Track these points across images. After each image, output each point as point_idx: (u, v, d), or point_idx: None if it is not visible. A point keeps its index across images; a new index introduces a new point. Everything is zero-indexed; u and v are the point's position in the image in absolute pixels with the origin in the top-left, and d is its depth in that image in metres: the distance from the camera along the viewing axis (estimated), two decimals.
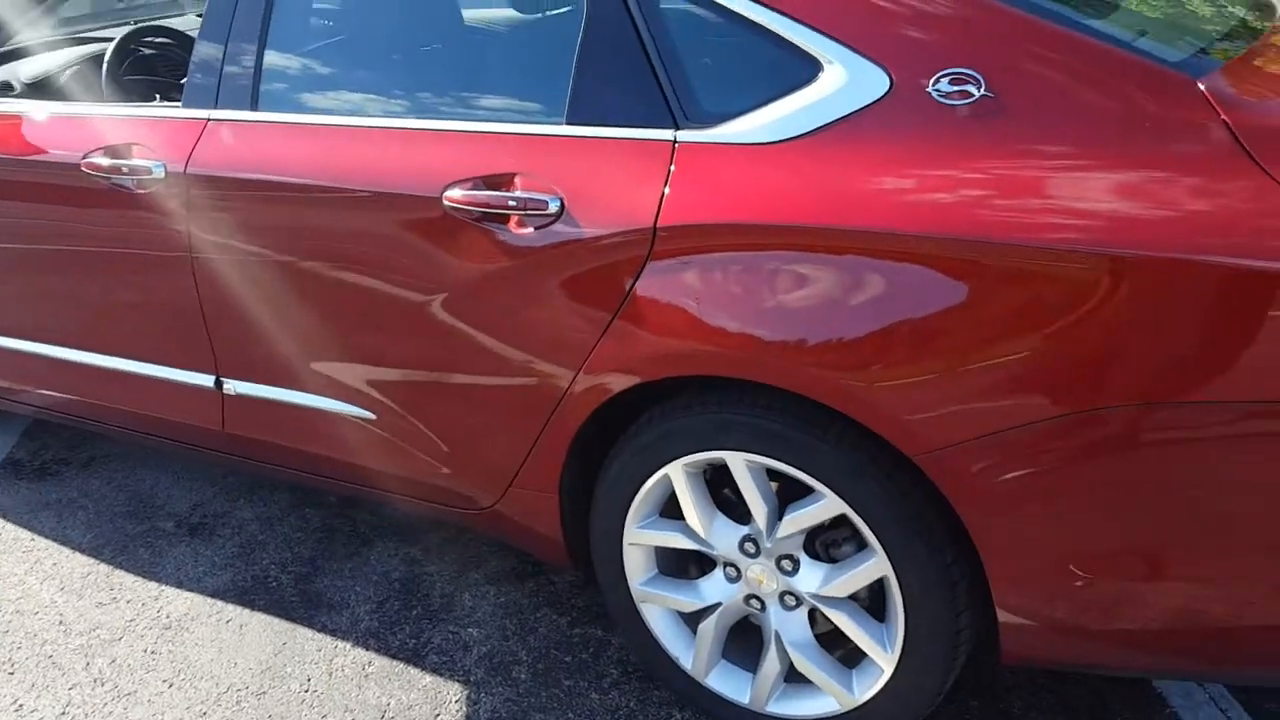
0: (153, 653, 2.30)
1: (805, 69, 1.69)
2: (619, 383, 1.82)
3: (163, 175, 2.21)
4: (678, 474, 1.87)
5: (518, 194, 1.84)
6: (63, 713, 2.13)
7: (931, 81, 1.61)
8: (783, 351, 1.65)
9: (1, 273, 2.59)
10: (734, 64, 1.76)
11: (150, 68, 2.97)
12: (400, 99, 2.06)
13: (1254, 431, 1.46)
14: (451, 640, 2.28)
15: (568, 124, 1.85)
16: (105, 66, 2.84)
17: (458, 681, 2.17)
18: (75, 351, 2.56)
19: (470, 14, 2.15)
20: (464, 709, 2.10)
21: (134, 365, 2.46)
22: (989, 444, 1.57)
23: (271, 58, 2.16)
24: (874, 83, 1.64)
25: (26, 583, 2.52)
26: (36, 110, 2.50)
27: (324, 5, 2.22)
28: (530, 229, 1.84)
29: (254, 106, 2.15)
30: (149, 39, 3.01)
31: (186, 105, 2.23)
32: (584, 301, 1.82)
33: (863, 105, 1.64)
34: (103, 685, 2.20)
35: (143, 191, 2.25)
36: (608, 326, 1.80)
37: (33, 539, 2.69)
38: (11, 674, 2.24)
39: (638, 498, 1.92)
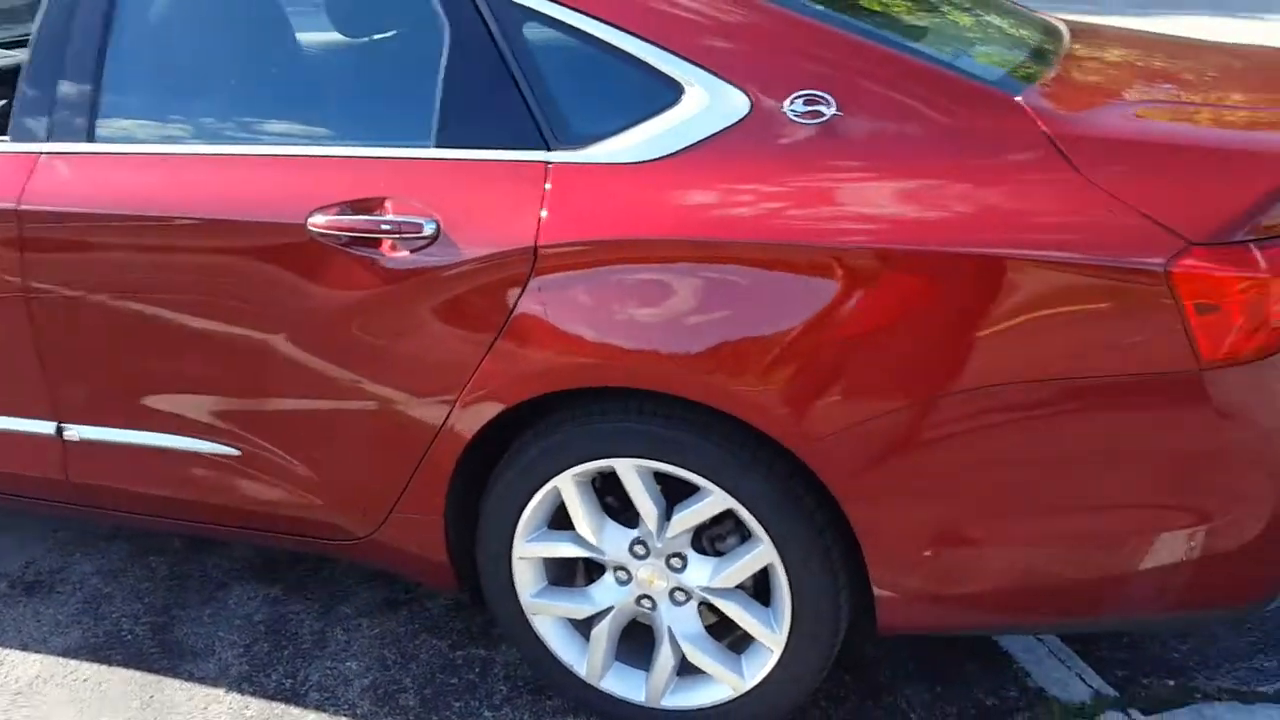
0: (6, 716, 2.15)
1: (670, 92, 1.79)
2: (506, 400, 1.87)
3: None
4: (567, 485, 1.93)
5: (391, 217, 1.86)
6: None
7: (788, 102, 1.75)
8: (669, 359, 1.75)
9: None
10: (602, 88, 1.85)
11: None
12: (254, 125, 2.03)
13: (1054, 407, 1.66)
14: (330, 676, 2.25)
15: (437, 147, 1.89)
16: None
17: (344, 716, 2.15)
18: None
19: (318, 37, 2.14)
20: None
21: None
22: (856, 433, 1.71)
23: (109, 87, 2.08)
24: (735, 104, 1.76)
25: None
26: None
27: (165, 33, 2.16)
28: (405, 252, 1.86)
29: (90, 138, 2.07)
30: None
31: (14, 139, 2.12)
32: (466, 322, 1.85)
33: (726, 125, 1.76)
34: None
35: None
36: (492, 345, 1.84)
37: None
38: None
39: (527, 511, 1.97)
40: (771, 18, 1.81)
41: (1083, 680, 2.18)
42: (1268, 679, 2.17)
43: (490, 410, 1.88)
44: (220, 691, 2.22)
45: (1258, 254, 1.57)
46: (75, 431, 2.22)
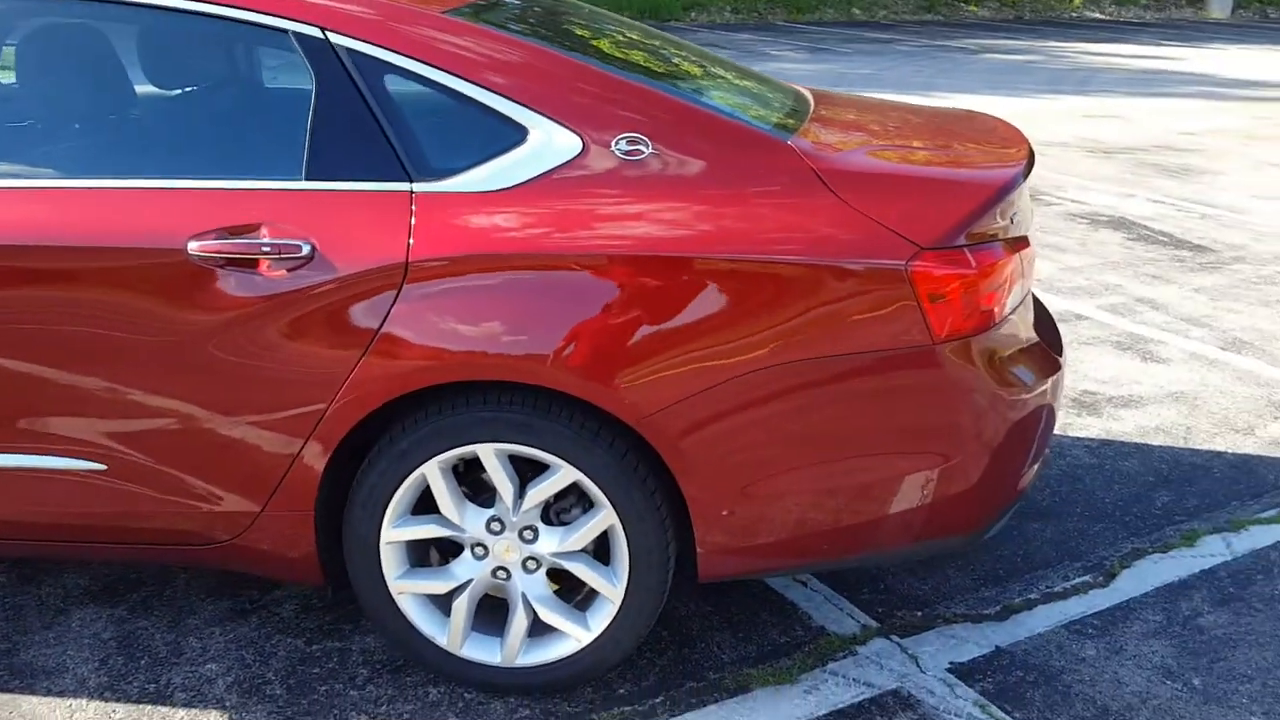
0: None
1: (516, 133, 2.16)
2: (379, 398, 2.14)
3: None
4: (433, 471, 2.21)
5: (269, 240, 2.10)
6: None
7: (614, 142, 2.15)
8: (528, 354, 2.09)
9: None
10: (457, 130, 2.18)
11: None
12: (134, 161, 2.21)
13: (824, 380, 2.13)
14: (193, 678, 2.39)
15: (307, 180, 2.15)
16: None
17: (214, 709, 2.30)
18: None
19: (196, 82, 2.34)
20: None
21: None
22: (681, 407, 2.12)
23: None
24: (571, 144, 2.15)
25: None
26: None
27: (19, 69, 2.29)
28: (283, 272, 2.11)
29: None
30: None
31: None
32: (342, 330, 2.11)
33: (564, 160, 2.15)
34: None
35: None
36: (367, 348, 2.11)
37: None
38: None
39: (395, 499, 2.23)
40: (598, 77, 2.23)
41: (851, 618, 2.66)
42: (989, 604, 2.74)
43: (361, 409, 2.14)
44: (82, 701, 2.31)
45: (970, 256, 2.12)
46: None
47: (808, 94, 2.78)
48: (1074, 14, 23.12)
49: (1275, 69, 15.20)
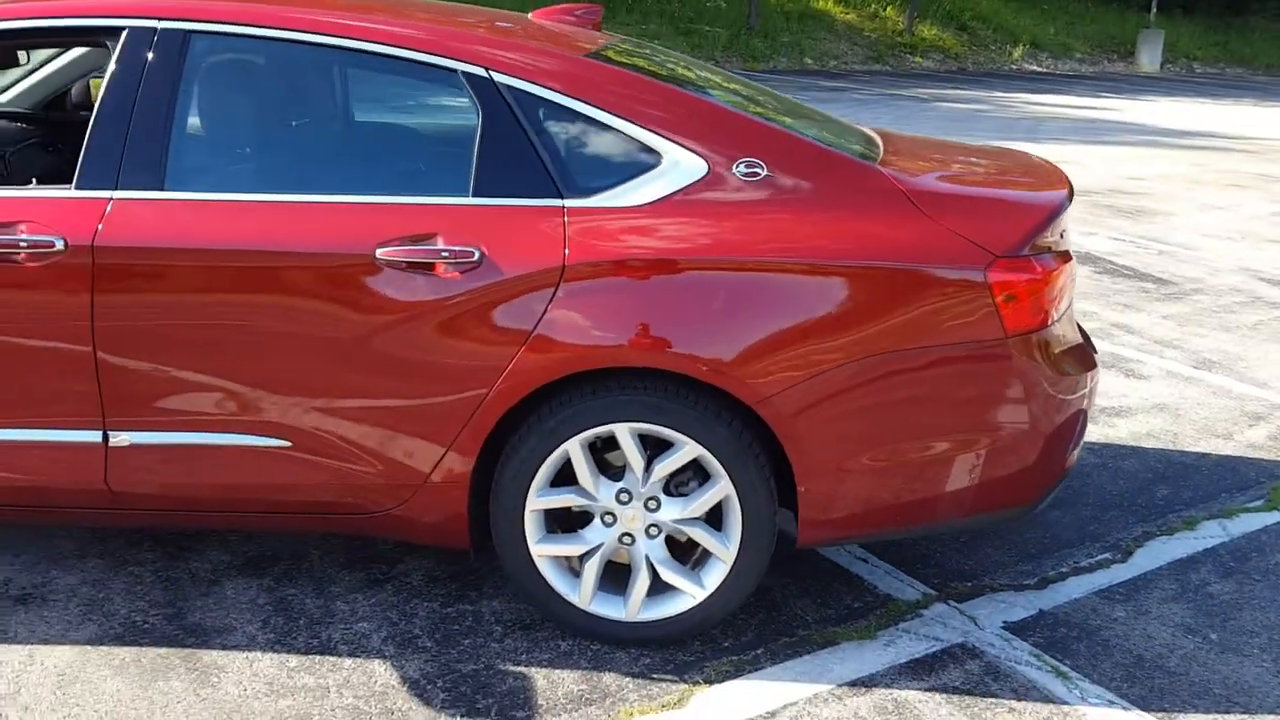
0: (67, 684, 2.42)
1: (652, 158, 2.54)
2: (535, 383, 2.48)
3: (63, 248, 2.44)
4: (575, 447, 2.55)
5: (446, 246, 2.45)
6: None
7: (734, 166, 2.54)
8: (664, 345, 2.45)
9: None
10: (601, 155, 2.56)
11: None
12: (319, 178, 2.55)
13: (917, 367, 2.52)
14: (349, 634, 2.69)
15: (475, 196, 2.51)
16: None
17: (376, 657, 2.60)
18: None
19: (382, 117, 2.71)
20: (394, 672, 2.54)
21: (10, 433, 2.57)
22: (793, 392, 2.49)
23: (178, 143, 2.52)
24: (698, 166, 2.53)
25: None
26: None
27: (225, 99, 2.62)
28: (456, 274, 2.46)
29: (163, 187, 2.50)
30: None
31: (81, 186, 2.50)
32: (506, 324, 2.46)
33: (693, 180, 2.53)
34: None
35: (36, 265, 2.45)
36: (527, 339, 2.46)
37: None
38: None
39: (540, 472, 2.56)
40: (719, 110, 2.63)
41: (912, 587, 3.04)
42: (1028, 576, 3.13)
43: (521, 391, 2.49)
44: (257, 653, 2.60)
45: (1036, 264, 2.53)
46: (126, 438, 2.56)
47: (872, 132, 3.19)
48: (1013, 66, 24.16)
49: (1205, 119, 16.14)
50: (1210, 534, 3.43)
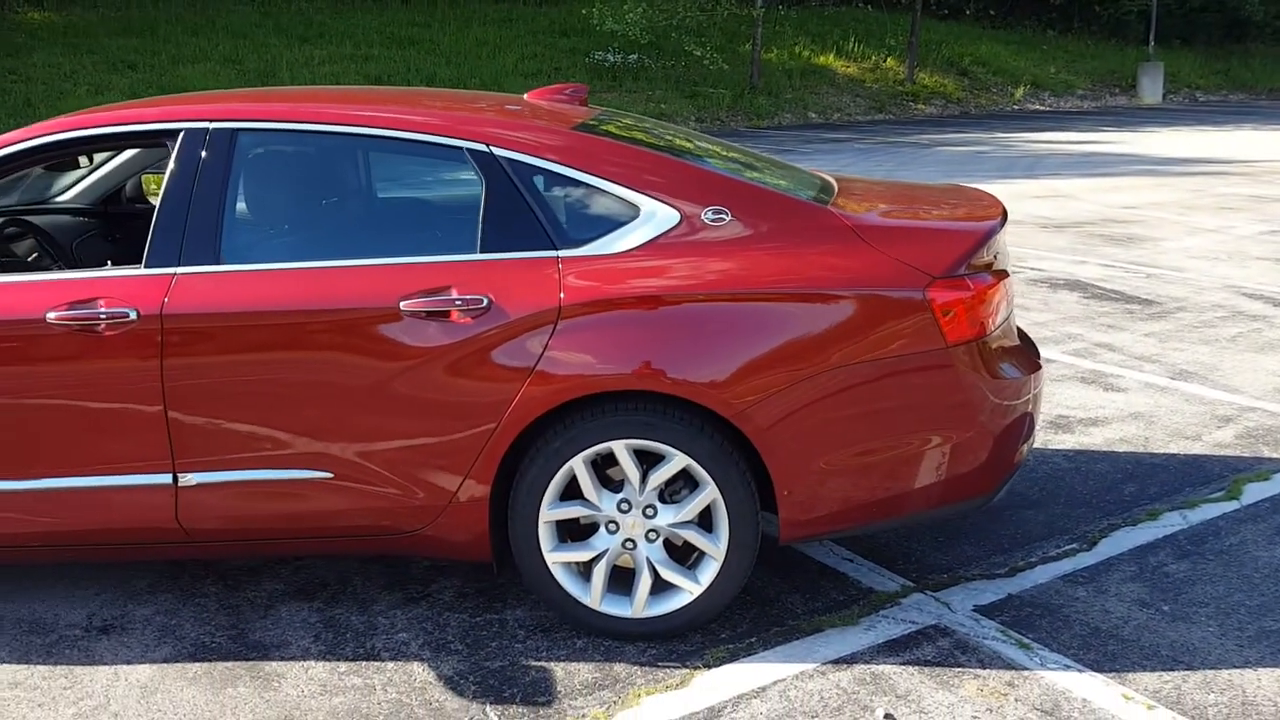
0: (150, 694, 2.80)
1: (631, 210, 2.95)
2: (540, 409, 2.87)
3: (136, 318, 2.88)
4: (579, 464, 2.93)
5: (459, 296, 2.86)
6: None
7: (703, 213, 2.94)
8: (653, 369, 2.84)
9: None
10: (588, 211, 2.97)
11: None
12: (350, 245, 2.99)
13: (865, 377, 2.89)
14: (391, 642, 3.06)
15: (481, 252, 2.92)
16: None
17: (415, 660, 2.96)
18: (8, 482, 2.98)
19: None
20: (431, 671, 2.91)
21: (83, 481, 2.97)
22: (764, 404, 2.86)
23: (230, 223, 2.97)
24: (671, 216, 2.94)
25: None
26: None
27: (268, 183, 3.07)
28: (469, 319, 2.86)
29: (218, 261, 2.93)
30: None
31: (149, 265, 2.93)
32: (513, 359, 2.86)
33: (668, 228, 2.93)
34: None
35: (113, 333, 2.88)
36: (532, 371, 2.85)
37: None
38: None
39: (550, 487, 2.94)
40: (687, 168, 3.05)
41: (892, 581, 3.37)
42: (999, 567, 3.46)
43: (530, 416, 2.88)
44: (310, 662, 2.97)
45: (970, 282, 2.91)
46: (192, 479, 2.96)
47: (830, 178, 3.60)
48: (1016, 106, 24.65)
49: (1205, 147, 16.48)
50: (1171, 523, 3.75)
